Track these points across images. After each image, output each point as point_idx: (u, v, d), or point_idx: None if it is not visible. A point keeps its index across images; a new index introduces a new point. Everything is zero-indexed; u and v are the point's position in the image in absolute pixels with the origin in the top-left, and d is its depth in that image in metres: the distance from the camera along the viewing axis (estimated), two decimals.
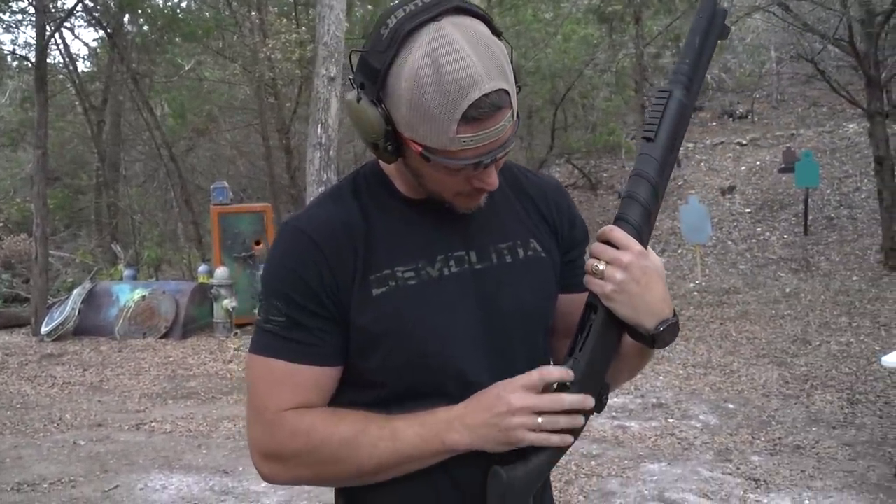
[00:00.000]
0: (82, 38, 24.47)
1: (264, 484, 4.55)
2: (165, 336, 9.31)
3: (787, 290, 10.04)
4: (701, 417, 5.65)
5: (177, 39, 15.17)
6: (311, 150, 8.09)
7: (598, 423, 5.46)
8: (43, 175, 10.68)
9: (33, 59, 11.25)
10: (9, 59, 15.72)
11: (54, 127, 15.87)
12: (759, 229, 12.66)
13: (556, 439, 1.14)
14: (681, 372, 6.81)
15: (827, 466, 4.60)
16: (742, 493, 4.28)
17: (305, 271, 1.16)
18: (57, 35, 13.98)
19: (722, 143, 15.91)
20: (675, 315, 1.19)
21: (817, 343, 7.46)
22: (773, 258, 11.78)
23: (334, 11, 8.01)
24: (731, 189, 13.99)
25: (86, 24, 17.43)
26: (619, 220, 1.19)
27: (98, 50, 18.43)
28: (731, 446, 5.01)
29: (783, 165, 13.27)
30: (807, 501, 4.15)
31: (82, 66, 18.63)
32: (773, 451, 4.89)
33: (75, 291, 9.99)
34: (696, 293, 10.42)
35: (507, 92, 1.06)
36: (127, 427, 6.04)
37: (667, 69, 15.66)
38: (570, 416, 1.15)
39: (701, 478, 4.52)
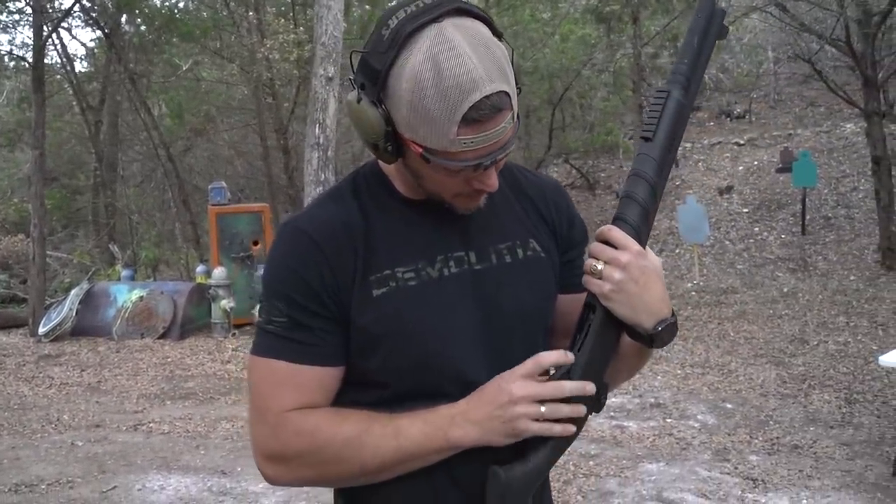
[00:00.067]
0: (80, 39, 24.53)
1: (262, 484, 4.56)
2: (163, 336, 9.30)
3: (785, 290, 10.05)
4: (699, 417, 5.65)
5: (174, 39, 15.15)
6: (309, 150, 8.09)
7: (597, 423, 5.47)
8: (40, 175, 10.66)
9: (30, 60, 11.22)
10: (6, 59, 15.75)
11: (52, 127, 15.85)
12: (756, 229, 12.67)
13: (558, 429, 1.15)
14: (679, 372, 6.82)
15: (825, 466, 4.60)
16: (740, 492, 4.29)
17: (306, 271, 1.16)
18: (54, 35, 13.98)
19: (720, 143, 15.92)
20: (673, 315, 1.19)
21: (815, 343, 7.47)
22: (770, 258, 11.79)
23: (332, 11, 8.01)
24: (729, 189, 14.00)
25: (83, 24, 17.43)
26: (617, 220, 1.19)
27: (95, 50, 18.43)
28: (729, 446, 5.02)
29: (781, 165, 13.28)
30: (805, 501, 4.15)
31: (80, 67, 18.62)
32: (770, 451, 4.89)
33: (73, 292, 9.97)
34: (693, 293, 10.43)
35: (507, 94, 1.07)
36: (125, 428, 6.03)
37: (665, 69, 15.68)
38: (573, 406, 1.15)
39: (699, 477, 4.52)
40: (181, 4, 16.92)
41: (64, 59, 16.26)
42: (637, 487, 4.43)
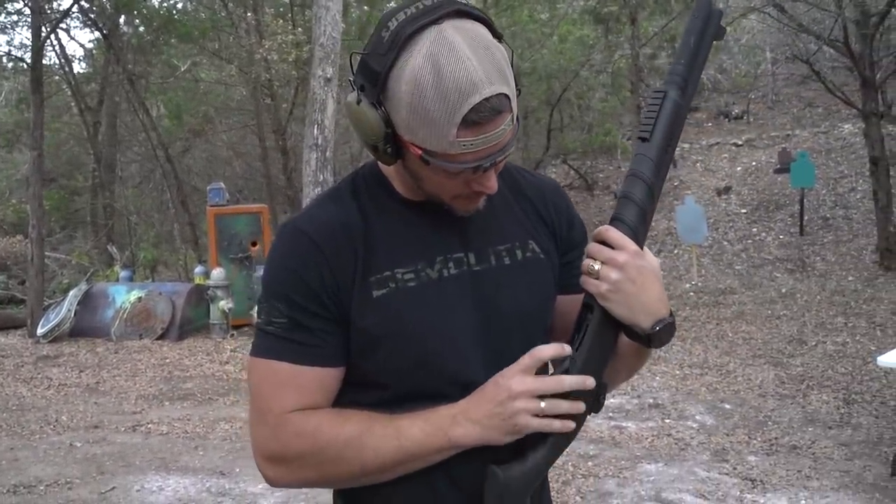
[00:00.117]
0: (78, 40, 24.45)
1: (261, 485, 4.56)
2: (162, 337, 9.29)
3: (783, 291, 10.06)
4: (697, 418, 5.66)
5: (173, 40, 15.12)
6: (308, 151, 8.09)
7: (595, 423, 5.47)
8: (39, 176, 10.65)
9: (29, 61, 11.21)
10: (4, 60, 15.74)
11: (50, 128, 15.84)
12: (754, 230, 12.68)
13: (557, 424, 1.15)
14: (677, 372, 6.82)
15: (823, 466, 4.61)
16: (739, 493, 4.29)
17: (306, 272, 1.17)
18: (53, 36, 13.96)
19: (718, 143, 15.93)
20: (671, 315, 1.20)
21: (813, 343, 7.48)
22: (768, 258, 11.80)
23: (330, 12, 8.01)
24: (727, 189, 14.01)
25: (81, 25, 17.39)
26: (614, 221, 1.19)
27: (94, 51, 18.41)
28: (727, 446, 5.02)
29: (779, 166, 13.29)
30: (803, 501, 4.16)
31: (78, 68, 18.59)
32: (769, 451, 4.90)
33: (71, 293, 9.97)
34: (692, 293, 10.43)
35: (507, 96, 1.07)
36: (123, 428, 6.03)
37: (663, 70, 15.67)
38: (572, 402, 1.15)
39: (698, 478, 4.53)
40: (179, 5, 16.90)
41: (62, 60, 16.24)
42: (636, 488, 4.43)
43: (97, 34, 15.98)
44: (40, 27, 11.17)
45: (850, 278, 10.41)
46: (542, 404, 1.13)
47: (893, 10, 10.53)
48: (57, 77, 16.60)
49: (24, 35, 17.35)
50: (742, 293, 10.18)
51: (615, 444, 5.16)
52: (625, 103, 16.68)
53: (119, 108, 16.71)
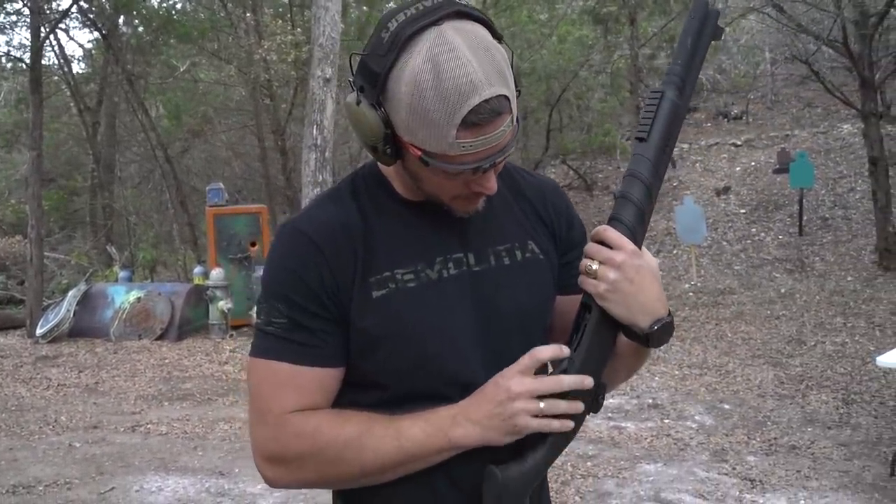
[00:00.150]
0: (77, 40, 24.44)
1: (260, 485, 4.56)
2: (161, 338, 9.29)
3: (782, 291, 10.07)
4: (696, 418, 5.66)
5: (172, 41, 15.12)
6: (307, 151, 8.09)
7: (594, 423, 5.47)
8: (38, 177, 10.65)
9: (28, 61, 11.22)
10: (3, 60, 15.71)
11: (49, 128, 15.83)
12: (753, 230, 12.68)
13: (556, 424, 1.15)
14: (676, 372, 6.82)
15: (822, 466, 4.61)
16: (738, 493, 4.29)
17: (306, 272, 1.16)
18: (52, 36, 13.95)
19: (717, 143, 15.93)
20: (669, 314, 1.20)
21: (812, 343, 7.48)
22: (768, 259, 11.80)
23: (329, 13, 8.01)
24: (726, 190, 14.01)
25: (81, 25, 17.36)
26: (612, 221, 1.20)
27: (93, 51, 18.40)
28: (726, 447, 5.03)
29: (778, 166, 13.30)
30: (802, 501, 4.16)
31: (77, 68, 18.56)
32: (768, 452, 4.90)
33: (70, 293, 9.96)
34: (691, 294, 10.44)
35: (507, 97, 1.07)
36: (122, 429, 6.03)
37: (662, 70, 15.67)
38: (571, 402, 1.15)
39: (697, 478, 4.53)
40: (179, 6, 16.89)
41: (61, 61, 16.23)
42: (635, 488, 4.43)
43: (96, 34, 15.98)
44: (39, 27, 11.17)
45: (849, 278, 10.42)
46: (541, 404, 1.13)
47: (892, 10, 10.54)
48: (56, 77, 16.60)
49: (23, 35, 17.39)
50: (741, 293, 10.18)
51: (614, 445, 5.16)
52: (624, 104, 16.69)
53: (118, 108, 16.71)
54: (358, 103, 1.11)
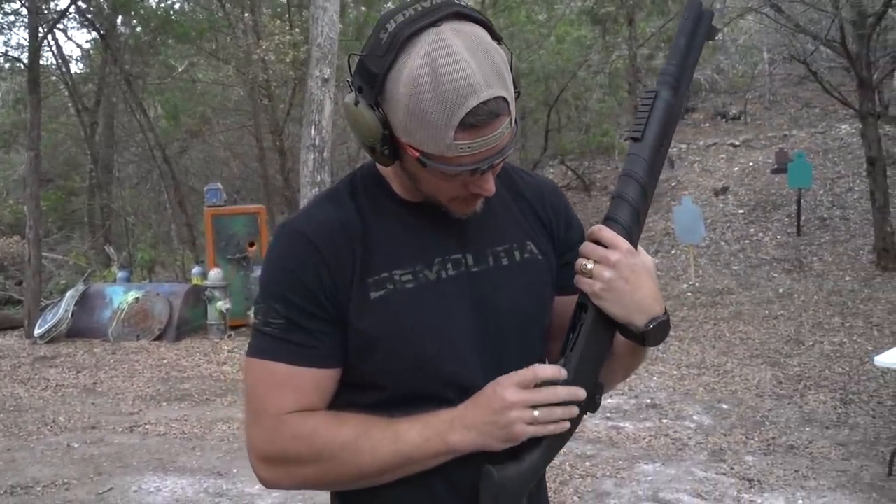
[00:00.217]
0: (75, 40, 24.34)
1: (259, 486, 4.55)
2: (159, 338, 9.29)
3: (781, 291, 10.07)
4: (695, 418, 5.66)
5: (170, 41, 15.13)
6: (305, 151, 8.09)
7: (593, 423, 5.47)
8: (36, 177, 10.65)
9: (26, 61, 11.21)
10: (1, 60, 15.68)
11: (47, 129, 15.82)
12: (752, 230, 12.69)
13: (552, 428, 1.15)
14: (675, 372, 6.83)
15: (820, 466, 4.62)
16: (736, 493, 4.30)
17: (304, 273, 1.16)
18: (50, 37, 13.95)
19: (715, 144, 15.94)
20: (665, 313, 1.20)
21: (810, 343, 7.49)
22: (766, 259, 11.81)
23: (328, 13, 8.01)
24: (725, 190, 14.02)
25: (79, 25, 17.33)
26: (608, 220, 1.20)
27: (91, 51, 18.37)
28: (725, 446, 5.03)
29: (776, 166, 13.31)
30: (800, 501, 4.16)
31: (75, 68, 18.54)
32: (766, 451, 4.90)
33: (69, 293, 9.96)
34: (689, 294, 10.45)
35: (505, 99, 1.07)
36: (121, 429, 6.03)
37: (659, 70, 15.67)
38: (565, 408, 1.16)
39: (695, 478, 4.53)
40: (177, 6, 16.89)
41: (59, 61, 16.22)
42: (633, 488, 4.44)
43: (94, 34, 15.97)
44: (37, 27, 11.17)
45: (847, 278, 10.43)
46: (536, 413, 1.14)
47: (890, 10, 10.55)
48: (54, 77, 16.59)
49: (20, 35, 17.38)
50: (739, 293, 10.19)
51: (613, 445, 5.17)
52: (622, 104, 16.70)
53: (116, 108, 16.71)
54: (356, 104, 1.11)
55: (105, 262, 13.93)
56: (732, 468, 4.65)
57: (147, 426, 6.07)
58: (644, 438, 5.26)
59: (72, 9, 13.88)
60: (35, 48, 10.90)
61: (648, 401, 6.09)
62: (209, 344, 9.08)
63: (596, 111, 16.40)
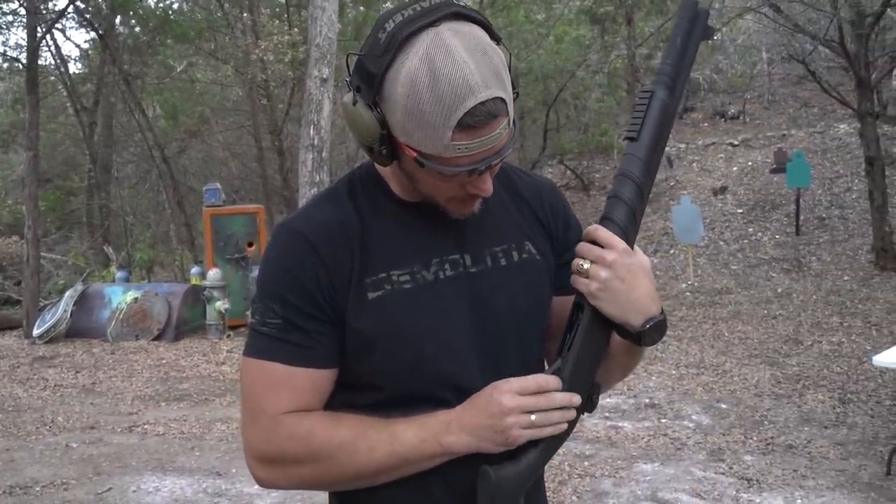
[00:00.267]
0: (74, 40, 24.44)
1: (257, 486, 4.55)
2: (158, 338, 9.28)
3: (779, 291, 10.08)
4: (693, 417, 5.66)
5: (168, 41, 15.13)
6: (304, 151, 8.09)
7: (591, 423, 5.48)
8: (34, 177, 10.64)
9: (24, 61, 11.21)
10: (0, 60, 15.68)
11: (46, 129, 15.82)
12: (750, 229, 12.70)
13: (549, 430, 1.16)
14: (673, 372, 6.83)
15: (819, 465, 4.62)
16: (735, 492, 4.30)
17: (302, 273, 1.16)
18: (48, 37, 13.94)
19: (714, 143, 15.95)
20: (662, 312, 1.20)
21: (809, 343, 7.49)
22: (764, 258, 11.81)
23: (326, 13, 8.01)
24: (723, 189, 14.03)
25: (77, 25, 17.39)
26: (604, 220, 1.20)
27: (89, 51, 18.38)
28: (723, 446, 5.03)
29: (775, 166, 13.33)
30: (799, 500, 4.16)
31: (74, 68, 18.56)
32: (765, 451, 4.91)
33: (67, 293, 9.95)
34: (688, 293, 10.45)
35: (503, 100, 1.06)
36: (119, 429, 6.02)
37: (656, 70, 15.67)
38: (562, 411, 1.16)
39: (694, 478, 4.53)
40: (175, 6, 16.89)
41: (58, 61, 16.23)
42: (632, 488, 4.44)
43: (93, 34, 15.97)
44: (36, 27, 11.16)
45: (846, 278, 10.43)
46: (533, 417, 1.14)
47: (888, 10, 10.55)
48: (53, 77, 16.59)
49: (19, 35, 17.38)
50: (738, 293, 10.19)
51: (611, 444, 5.17)
52: (621, 103, 16.72)
53: (115, 108, 16.70)
54: (354, 104, 1.10)
55: (104, 262, 13.92)
56: (731, 468, 4.65)
57: (146, 426, 6.07)
58: (643, 438, 5.26)
59: (70, 9, 13.90)
60: (33, 48, 10.89)
61: (647, 400, 6.09)
62: (208, 344, 9.08)
63: (594, 111, 16.41)
